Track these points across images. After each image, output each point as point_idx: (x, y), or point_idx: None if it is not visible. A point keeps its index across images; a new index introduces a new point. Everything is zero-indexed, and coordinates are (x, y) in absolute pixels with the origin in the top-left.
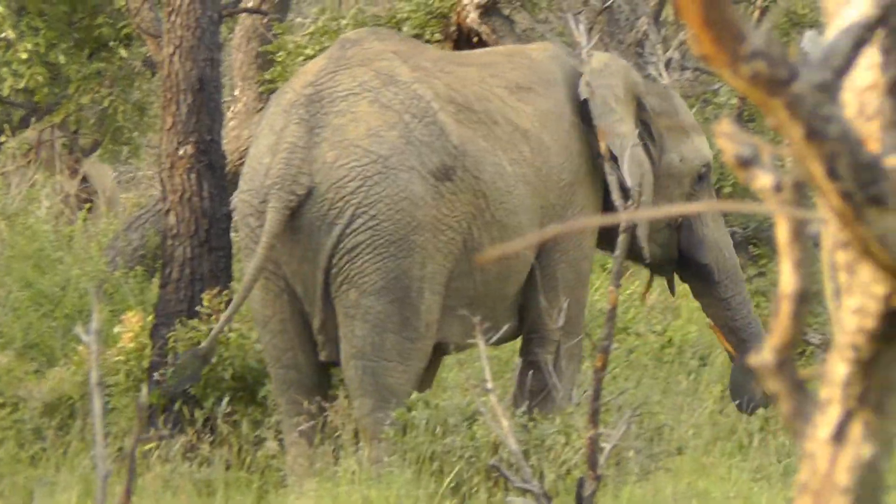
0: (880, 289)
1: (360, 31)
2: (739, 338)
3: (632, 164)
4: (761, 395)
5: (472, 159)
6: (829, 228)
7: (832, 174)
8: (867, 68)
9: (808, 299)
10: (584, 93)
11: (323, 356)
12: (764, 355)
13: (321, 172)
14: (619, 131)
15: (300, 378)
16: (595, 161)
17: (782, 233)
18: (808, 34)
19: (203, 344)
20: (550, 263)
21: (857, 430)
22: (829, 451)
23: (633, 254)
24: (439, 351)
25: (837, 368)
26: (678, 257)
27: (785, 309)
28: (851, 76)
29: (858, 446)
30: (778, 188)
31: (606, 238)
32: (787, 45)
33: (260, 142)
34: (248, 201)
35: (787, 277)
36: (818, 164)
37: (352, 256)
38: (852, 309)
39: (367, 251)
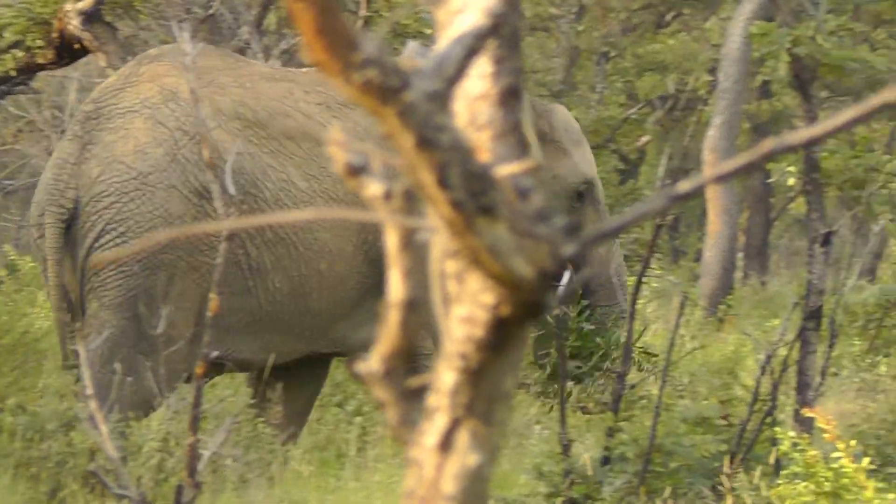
0: (489, 298)
1: (167, 46)
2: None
3: None
4: None
5: (249, 177)
6: (439, 237)
7: (443, 183)
8: (479, 78)
9: (417, 308)
10: None
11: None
12: (372, 364)
13: (85, 187)
14: None
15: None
16: None
17: (392, 241)
18: (411, 45)
19: None
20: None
21: (463, 438)
22: (436, 458)
23: None
24: (245, 366)
25: (445, 377)
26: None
27: (393, 318)
28: (463, 86)
29: (465, 454)
30: (388, 196)
31: None
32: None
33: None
34: (32, 214)
35: (396, 286)
36: (429, 173)
37: (97, 269)
38: (461, 318)
39: (112, 266)
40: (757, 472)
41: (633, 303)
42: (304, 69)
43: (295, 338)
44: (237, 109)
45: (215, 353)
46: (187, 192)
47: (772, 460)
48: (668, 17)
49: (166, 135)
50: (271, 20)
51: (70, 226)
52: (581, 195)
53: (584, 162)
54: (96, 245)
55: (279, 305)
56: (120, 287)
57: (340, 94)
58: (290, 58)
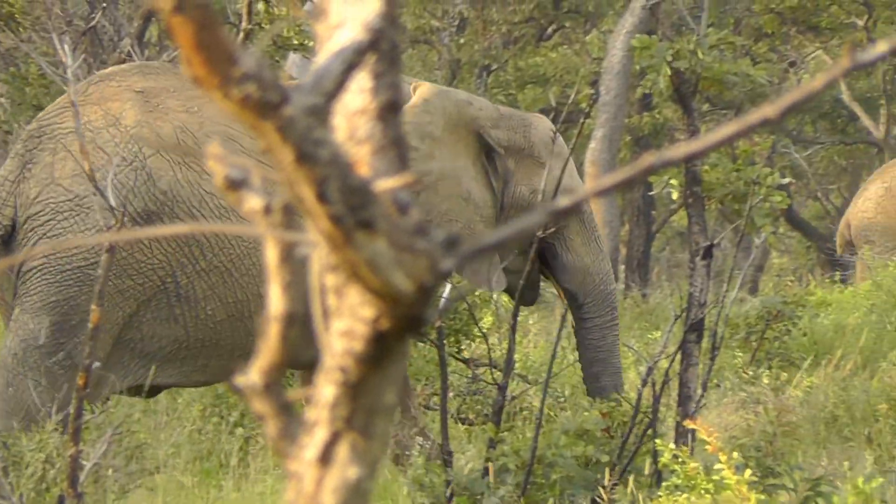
0: (369, 312)
1: (123, 66)
2: (589, 360)
3: (450, 199)
4: None
5: (185, 205)
6: (319, 252)
7: (322, 198)
8: (358, 92)
9: (296, 322)
10: None
11: None
12: (252, 377)
13: (23, 207)
14: (422, 169)
15: None
16: None
17: (272, 256)
18: (292, 58)
19: None
20: None
21: (343, 451)
22: (316, 472)
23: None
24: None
25: (325, 390)
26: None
27: (273, 331)
28: (342, 100)
29: (345, 468)
30: (268, 211)
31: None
32: (277, 69)
33: None
34: None
35: (276, 300)
36: (308, 188)
37: (25, 279)
38: (341, 331)
39: (38, 275)
40: (633, 484)
41: (515, 315)
42: None
43: (237, 359)
44: (178, 136)
45: (97, 364)
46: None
47: (646, 471)
48: (550, 30)
49: (104, 160)
50: (153, 32)
51: (8, 242)
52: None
53: (565, 175)
54: (28, 262)
55: (213, 331)
56: (42, 294)
57: None
58: None
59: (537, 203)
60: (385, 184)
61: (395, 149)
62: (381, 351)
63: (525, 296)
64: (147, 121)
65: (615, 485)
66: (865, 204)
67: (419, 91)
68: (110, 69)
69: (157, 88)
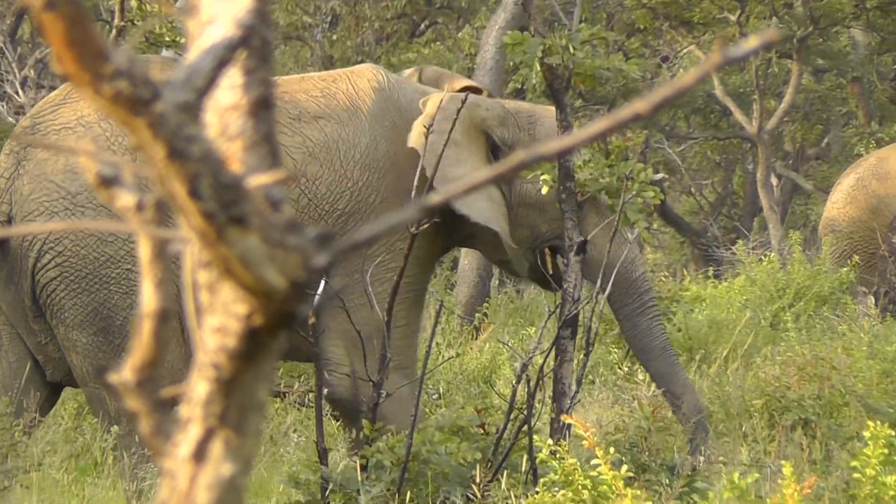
0: (242, 308)
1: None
2: (634, 350)
3: (476, 200)
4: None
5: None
6: (191, 248)
7: (195, 194)
8: (229, 88)
9: (169, 318)
10: (411, 140)
11: (48, 376)
12: (124, 374)
13: (17, 204)
14: (454, 175)
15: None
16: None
17: (144, 252)
18: (164, 54)
19: None
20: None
21: (217, 448)
22: (190, 469)
23: (511, 272)
24: None
25: (198, 387)
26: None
27: (146, 328)
28: (214, 97)
29: (218, 465)
30: (140, 207)
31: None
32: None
33: None
34: None
35: (148, 296)
36: (180, 184)
37: (49, 292)
38: (214, 328)
39: (61, 287)
40: (506, 480)
41: (390, 312)
42: (297, 77)
43: None
44: None
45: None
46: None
47: (524, 467)
48: (423, 26)
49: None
50: (25, 30)
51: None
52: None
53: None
54: (39, 266)
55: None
56: (76, 306)
57: (294, 109)
58: (44, 67)
59: (545, 200)
60: (257, 180)
61: (267, 145)
62: (254, 347)
63: (552, 286)
64: None
65: (489, 482)
66: (837, 195)
67: (432, 100)
68: None
69: None
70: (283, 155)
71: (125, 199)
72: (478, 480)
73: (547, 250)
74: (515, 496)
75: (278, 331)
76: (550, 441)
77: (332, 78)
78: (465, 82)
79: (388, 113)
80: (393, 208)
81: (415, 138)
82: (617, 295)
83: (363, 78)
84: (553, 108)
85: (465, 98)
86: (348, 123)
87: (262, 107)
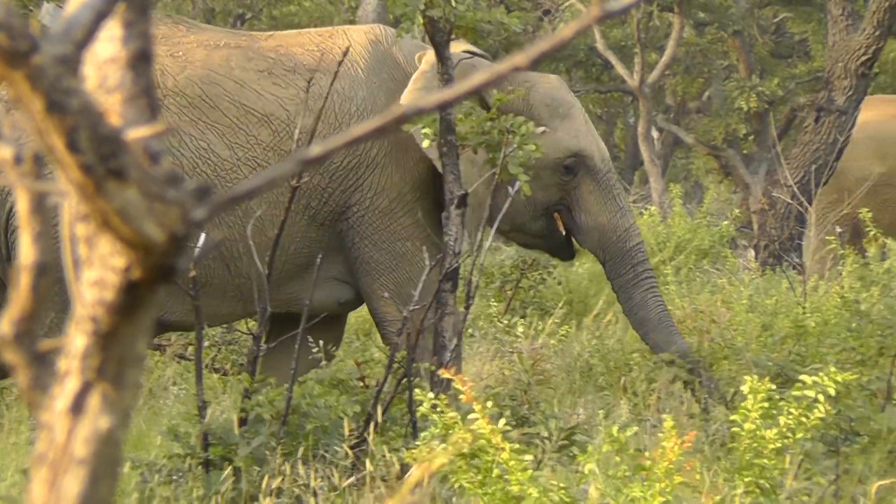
0: (120, 261)
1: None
2: (631, 321)
3: (462, 164)
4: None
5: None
6: (70, 201)
7: (73, 147)
8: (108, 41)
9: (48, 272)
10: (404, 98)
11: None
12: (2, 327)
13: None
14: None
15: None
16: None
17: (23, 205)
18: (46, 7)
19: None
20: (351, 247)
21: (95, 402)
22: (67, 422)
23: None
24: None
25: (76, 340)
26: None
27: (25, 281)
28: (93, 49)
29: (96, 418)
30: (18, 160)
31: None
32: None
33: None
34: None
35: (27, 249)
36: (58, 138)
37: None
38: (91, 281)
39: None
40: (388, 434)
41: (271, 265)
42: (267, 34)
43: (229, 301)
44: (157, 78)
45: None
46: None
47: (401, 421)
48: None
49: None
50: None
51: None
52: (570, 169)
53: (568, 136)
54: (13, 214)
55: (205, 270)
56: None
57: (290, 62)
58: None
59: (540, 165)
60: (136, 133)
61: (146, 98)
62: (132, 300)
63: (560, 254)
64: None
65: (361, 433)
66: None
67: (426, 58)
68: None
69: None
70: (277, 107)
71: (2, 151)
72: (356, 433)
73: (556, 216)
74: (395, 449)
75: (157, 284)
76: (431, 395)
77: (330, 34)
78: (467, 47)
79: (386, 67)
80: (394, 161)
81: (407, 97)
82: (611, 264)
83: (360, 32)
84: (552, 77)
85: (460, 59)
86: (344, 76)
87: (141, 60)
